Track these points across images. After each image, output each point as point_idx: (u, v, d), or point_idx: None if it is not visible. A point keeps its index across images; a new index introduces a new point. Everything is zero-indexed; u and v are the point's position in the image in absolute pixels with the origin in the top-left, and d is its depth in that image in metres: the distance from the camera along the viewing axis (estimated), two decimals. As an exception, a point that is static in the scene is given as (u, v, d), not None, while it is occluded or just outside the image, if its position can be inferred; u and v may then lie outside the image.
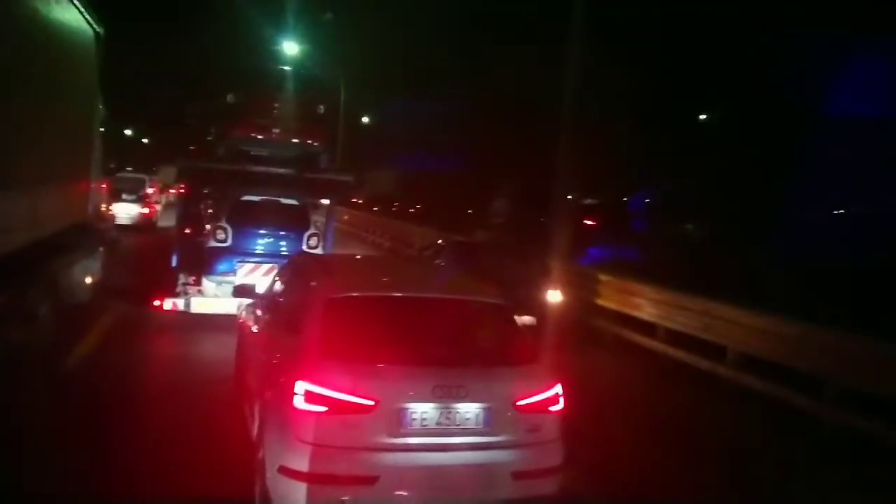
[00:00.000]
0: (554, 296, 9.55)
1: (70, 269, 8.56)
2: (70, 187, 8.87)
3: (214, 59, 23.45)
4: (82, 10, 8.48)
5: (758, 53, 28.49)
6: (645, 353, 9.60)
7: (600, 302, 10.84)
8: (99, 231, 11.18)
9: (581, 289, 10.85)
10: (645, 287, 10.11)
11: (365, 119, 42.86)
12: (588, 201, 34.21)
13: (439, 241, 12.06)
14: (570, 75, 13.47)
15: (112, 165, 12.44)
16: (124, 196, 21.12)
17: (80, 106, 9.03)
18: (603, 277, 11.06)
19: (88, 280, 9.65)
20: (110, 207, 15.54)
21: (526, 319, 8.59)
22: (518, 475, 4.13)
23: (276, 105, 11.81)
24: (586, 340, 10.16)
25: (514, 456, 4.15)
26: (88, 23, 8.94)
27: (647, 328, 9.92)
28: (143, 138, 53.21)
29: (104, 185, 11.68)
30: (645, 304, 9.96)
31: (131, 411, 5.99)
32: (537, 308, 9.25)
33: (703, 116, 37.11)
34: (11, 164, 6.24)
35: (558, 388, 4.32)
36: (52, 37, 7.37)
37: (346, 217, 28.89)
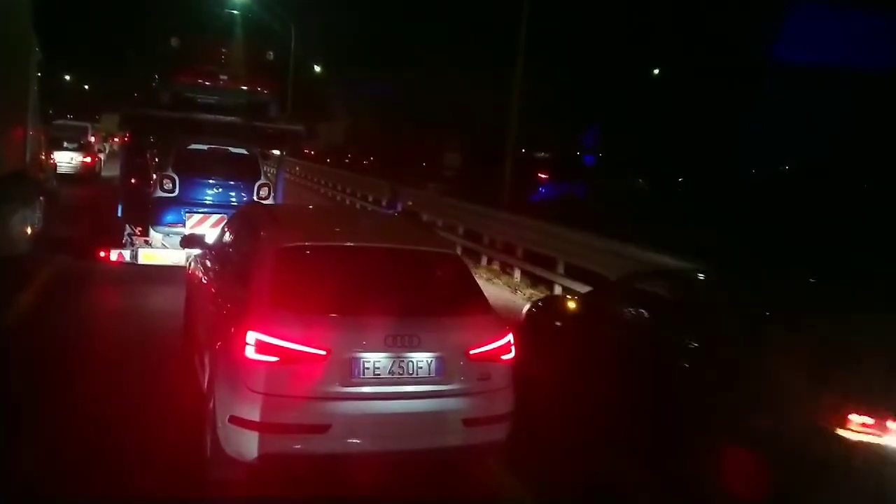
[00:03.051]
0: None
1: (7, 219, 8.25)
2: (4, 134, 8.50)
3: (159, 1, 22.53)
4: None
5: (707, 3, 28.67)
6: None
7: None
8: (38, 180, 10.78)
9: None
10: None
11: (317, 68, 41.94)
12: (541, 155, 34.57)
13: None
14: (521, 29, 13.50)
15: (51, 112, 11.95)
16: (65, 145, 20.42)
17: (11, 48, 8.58)
18: None
19: (28, 231, 9.33)
20: (51, 156, 14.98)
21: None
22: (469, 422, 4.20)
23: (223, 51, 11.35)
24: None
25: (465, 404, 4.21)
26: (20, -42, 8.45)
27: None
28: (84, 84, 51.14)
29: (42, 133, 11.21)
30: None
31: (77, 365, 5.87)
32: None
33: (656, 71, 37.34)
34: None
35: (510, 337, 4.37)
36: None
37: (297, 169, 28.48)
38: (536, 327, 6.43)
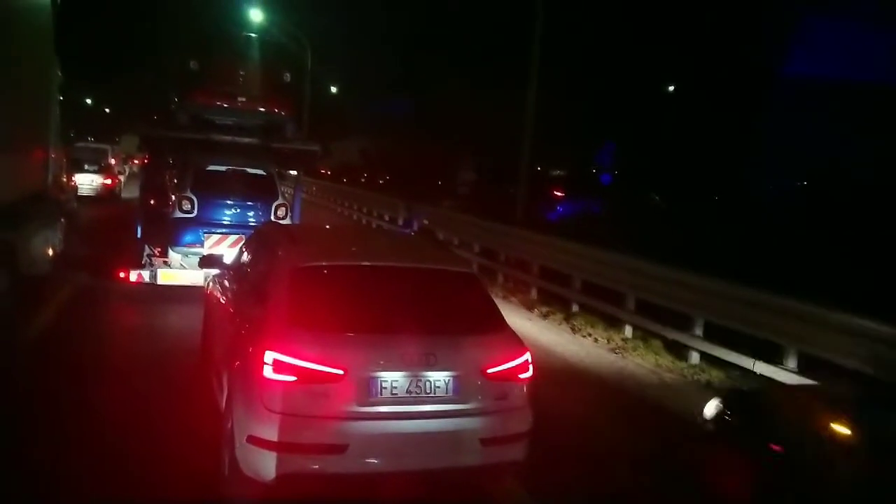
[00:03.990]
0: None
1: (29, 239, 8.34)
2: (27, 156, 8.63)
3: (177, 24, 22.90)
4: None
5: (720, 16, 28.64)
6: None
7: None
8: (59, 201, 10.93)
9: None
10: None
11: (333, 89, 42.33)
12: (556, 172, 34.62)
13: None
14: (535, 46, 13.57)
15: (72, 134, 12.13)
16: (86, 167, 20.73)
17: (35, 71, 8.73)
18: None
19: (49, 251, 9.44)
20: (72, 178, 15.18)
21: None
22: (486, 442, 4.17)
23: (241, 72, 11.50)
24: None
25: (482, 423, 4.18)
26: (43, -16, 8.62)
27: None
28: (105, 107, 51.89)
29: (63, 155, 11.38)
30: None
31: (96, 383, 5.90)
32: None
33: (671, 88, 37.30)
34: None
35: (527, 356, 4.34)
36: (5, -1, 7.09)
37: (314, 188, 28.65)
38: (733, 448, 4.34)
